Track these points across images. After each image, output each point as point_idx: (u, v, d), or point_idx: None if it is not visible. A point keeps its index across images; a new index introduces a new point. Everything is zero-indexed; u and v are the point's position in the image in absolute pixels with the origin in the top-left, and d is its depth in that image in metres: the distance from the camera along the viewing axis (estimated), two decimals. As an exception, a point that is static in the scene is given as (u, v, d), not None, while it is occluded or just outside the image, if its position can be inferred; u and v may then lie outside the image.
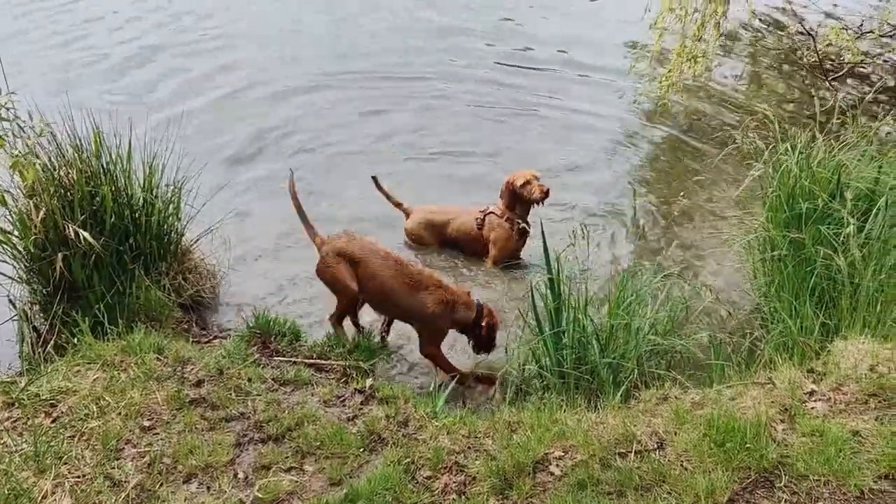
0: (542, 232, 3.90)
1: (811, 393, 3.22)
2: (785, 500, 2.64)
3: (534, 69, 7.79)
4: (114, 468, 2.89)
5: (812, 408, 3.12)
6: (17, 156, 3.68)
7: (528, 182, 4.89)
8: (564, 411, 3.22)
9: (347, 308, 4.22)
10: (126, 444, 3.03)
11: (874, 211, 4.02)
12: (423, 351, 4.10)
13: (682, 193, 5.65)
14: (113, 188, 4.10)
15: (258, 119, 6.75)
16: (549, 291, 3.85)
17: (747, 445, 2.83)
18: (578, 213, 5.45)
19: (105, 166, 4.14)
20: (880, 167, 4.28)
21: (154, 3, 9.19)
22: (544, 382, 3.72)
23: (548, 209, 5.02)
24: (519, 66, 7.87)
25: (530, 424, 3.11)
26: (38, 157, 3.86)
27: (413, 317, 4.09)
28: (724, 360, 3.56)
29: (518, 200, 4.95)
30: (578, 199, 5.70)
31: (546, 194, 4.86)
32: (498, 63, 7.95)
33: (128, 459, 2.95)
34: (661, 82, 6.54)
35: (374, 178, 5.27)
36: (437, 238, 5.25)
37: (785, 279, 4.03)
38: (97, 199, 4.04)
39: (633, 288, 3.88)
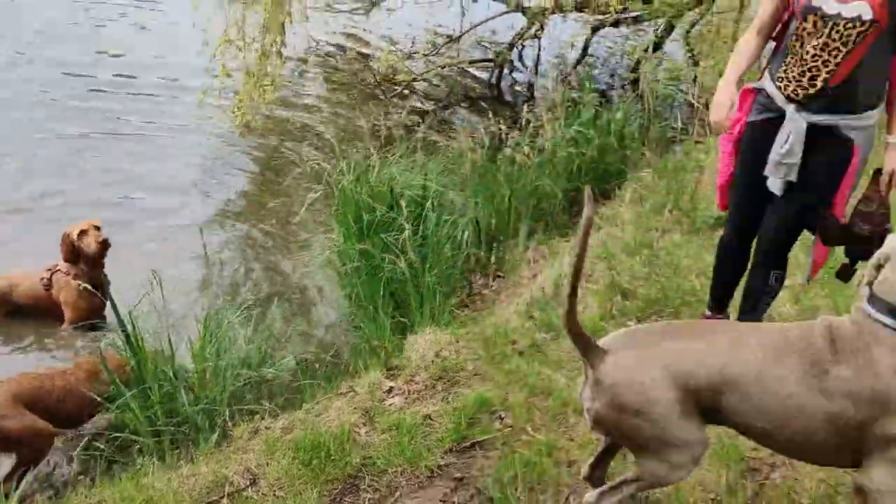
0: (108, 287, 3.65)
1: (389, 390, 3.50)
2: (369, 499, 2.82)
3: (130, 94, 7.34)
4: None
5: (391, 404, 3.40)
6: None
7: (84, 232, 4.51)
8: (153, 473, 3.04)
9: None
10: None
11: (424, 214, 4.55)
12: None
13: (271, 221, 5.75)
14: None
15: None
16: (127, 349, 3.62)
17: (332, 457, 2.96)
18: (158, 257, 5.19)
19: None
20: (426, 175, 4.85)
21: None
22: (139, 447, 3.48)
23: (121, 256, 4.71)
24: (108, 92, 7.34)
25: (113, 500, 2.87)
26: None
27: None
28: (311, 378, 3.71)
29: (80, 254, 4.54)
30: (157, 239, 5.46)
31: (104, 245, 4.51)
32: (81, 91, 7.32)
33: None
34: (233, 112, 6.59)
35: None
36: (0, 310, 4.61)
37: (361, 287, 4.35)
38: None
39: (217, 325, 3.83)
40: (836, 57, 2.65)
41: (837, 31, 2.62)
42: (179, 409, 3.49)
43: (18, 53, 8.26)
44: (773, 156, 2.86)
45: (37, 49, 8.37)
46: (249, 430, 3.28)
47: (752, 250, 3.20)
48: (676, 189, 5.19)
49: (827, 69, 2.68)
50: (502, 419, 3.19)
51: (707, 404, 2.09)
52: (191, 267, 5.21)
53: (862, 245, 2.86)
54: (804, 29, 2.71)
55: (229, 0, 6.52)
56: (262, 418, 3.35)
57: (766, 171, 2.90)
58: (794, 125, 2.79)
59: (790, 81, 2.79)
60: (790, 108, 2.81)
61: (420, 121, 6.21)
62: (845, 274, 3.10)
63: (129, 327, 3.56)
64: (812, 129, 2.78)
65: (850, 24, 2.59)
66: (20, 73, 7.73)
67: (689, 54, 8.30)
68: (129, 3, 9.72)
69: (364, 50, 8.85)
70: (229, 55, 6.49)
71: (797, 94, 2.78)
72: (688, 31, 8.76)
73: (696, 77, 7.06)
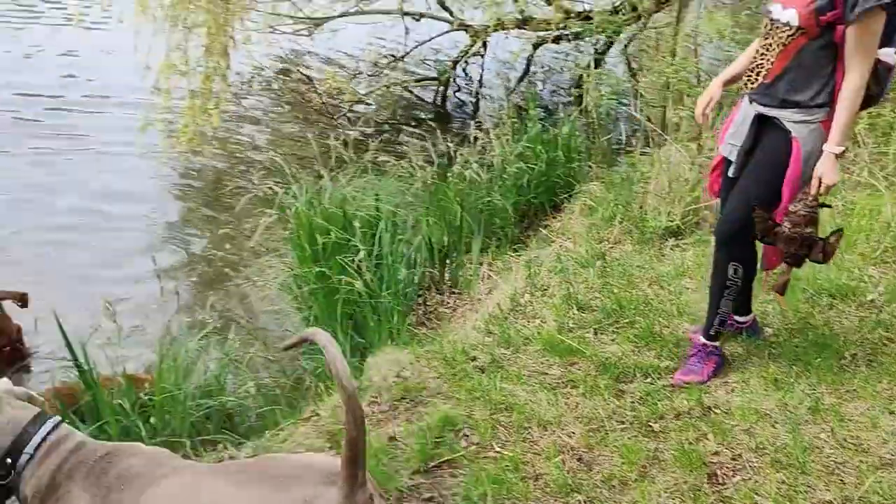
0: (58, 320, 3.55)
1: (353, 413, 3.48)
2: (340, 525, 2.80)
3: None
4: None
5: (354, 427, 3.38)
6: None
7: None
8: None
9: None
10: None
11: (378, 234, 4.56)
12: None
13: (224, 248, 5.66)
14: None
15: None
16: (82, 383, 3.53)
17: (301, 484, 2.93)
18: (103, 289, 5.06)
19: None
20: (377, 195, 4.87)
21: None
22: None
23: (67, 280, 4.63)
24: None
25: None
26: None
27: None
28: (274, 404, 3.67)
29: None
30: (101, 275, 5.31)
31: None
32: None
33: None
34: (178, 139, 6.50)
35: None
36: None
37: (319, 310, 4.33)
38: None
39: (174, 355, 3.76)
40: (773, 55, 2.95)
41: (777, 34, 2.92)
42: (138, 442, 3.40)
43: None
44: (726, 135, 3.19)
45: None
46: (214, 460, 3.22)
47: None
48: (625, 200, 5.32)
49: (766, 66, 2.99)
50: (468, 437, 3.21)
51: None
52: (143, 292, 5.12)
53: (790, 247, 3.00)
54: (761, 30, 3.07)
55: (170, 25, 6.43)
56: (226, 448, 3.30)
57: (721, 150, 3.24)
58: (746, 111, 3.11)
59: (748, 75, 3.11)
60: (746, 99, 3.13)
61: (369, 141, 6.23)
62: (782, 287, 3.23)
63: (83, 360, 3.47)
64: (762, 119, 3.06)
65: (784, 28, 2.89)
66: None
67: (629, 69, 8.55)
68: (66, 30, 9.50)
69: (308, 72, 8.84)
70: (173, 79, 6.42)
71: (747, 87, 3.11)
72: (625, 47, 9.03)
73: (637, 91, 7.26)
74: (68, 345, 3.51)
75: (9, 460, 1.96)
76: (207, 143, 7.02)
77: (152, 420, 3.53)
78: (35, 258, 5.35)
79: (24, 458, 1.96)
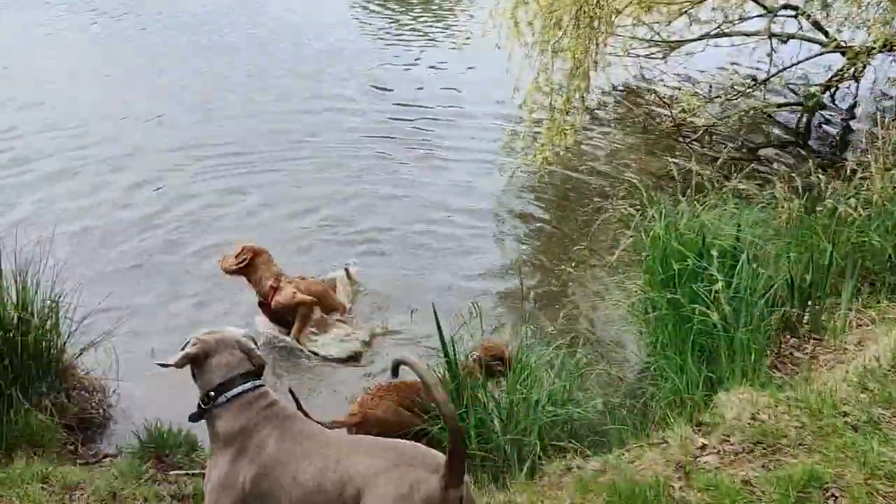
0: (435, 313, 3.97)
1: (702, 447, 3.38)
2: (689, 559, 2.74)
3: (409, 148, 8.05)
4: None
5: (705, 462, 3.27)
6: None
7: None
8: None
9: None
10: (9, 591, 2.80)
11: (738, 266, 4.34)
12: None
13: (573, 264, 5.85)
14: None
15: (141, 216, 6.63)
16: (446, 373, 3.91)
17: (648, 508, 2.93)
18: (467, 291, 5.53)
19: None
20: (739, 225, 4.64)
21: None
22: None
23: (436, 288, 5.15)
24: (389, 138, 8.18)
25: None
26: None
27: None
28: (620, 424, 3.70)
29: None
30: (466, 277, 5.81)
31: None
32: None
33: None
34: (535, 156, 6.88)
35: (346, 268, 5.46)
36: None
37: (667, 337, 4.26)
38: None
39: (528, 361, 3.99)
40: None
41: None
42: (490, 435, 3.68)
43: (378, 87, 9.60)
44: None
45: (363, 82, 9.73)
46: (562, 467, 3.36)
47: None
48: None
49: None
50: (836, 498, 2.92)
51: None
52: (502, 299, 5.52)
53: None
54: None
55: (540, 50, 6.84)
56: (574, 457, 3.41)
57: None
58: None
59: None
60: None
61: (731, 166, 5.98)
62: None
63: (451, 353, 3.85)
64: None
65: None
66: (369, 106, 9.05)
67: None
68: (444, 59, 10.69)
69: (659, 93, 8.78)
70: (537, 98, 6.83)
71: None
72: None
73: None
74: (441, 336, 3.90)
75: (212, 393, 2.52)
76: (565, 160, 7.33)
77: (504, 417, 3.80)
78: (411, 253, 6.07)
79: (222, 398, 2.51)
